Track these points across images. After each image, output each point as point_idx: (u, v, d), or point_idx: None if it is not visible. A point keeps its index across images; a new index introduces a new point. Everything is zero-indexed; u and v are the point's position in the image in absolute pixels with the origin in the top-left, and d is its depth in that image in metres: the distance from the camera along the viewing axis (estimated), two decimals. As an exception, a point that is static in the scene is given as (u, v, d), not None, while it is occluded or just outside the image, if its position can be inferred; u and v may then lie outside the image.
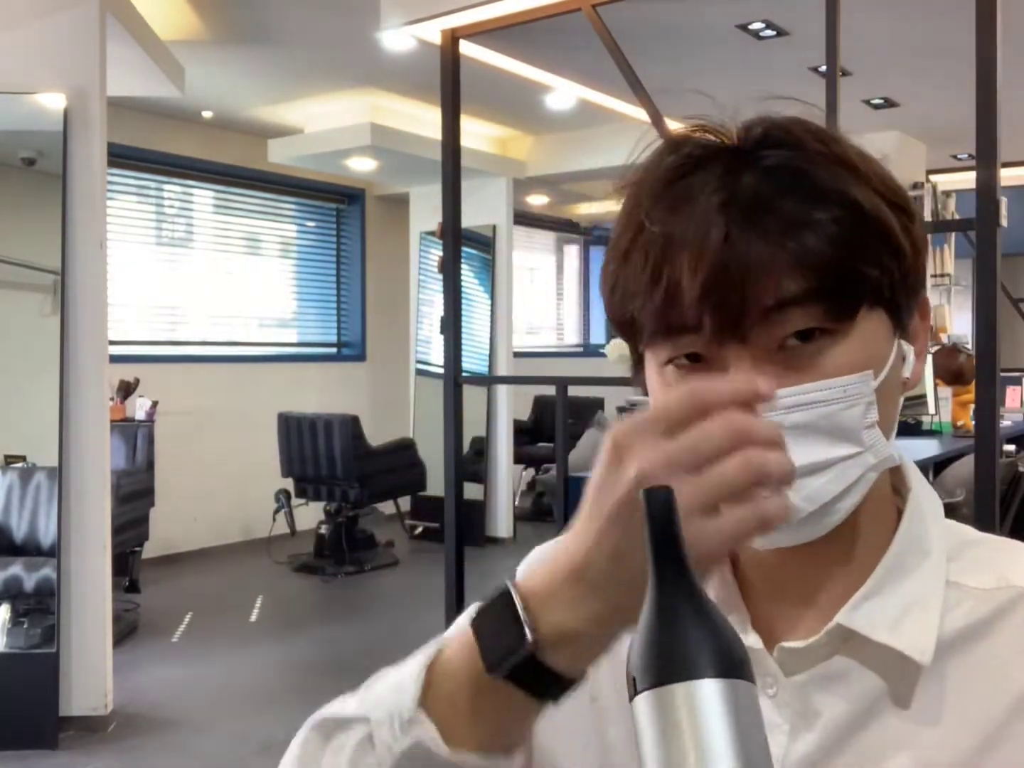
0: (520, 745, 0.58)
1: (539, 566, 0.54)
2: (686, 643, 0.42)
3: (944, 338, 6.84)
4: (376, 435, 6.26)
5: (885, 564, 0.63)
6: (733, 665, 0.42)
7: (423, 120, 6.03)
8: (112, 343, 3.88)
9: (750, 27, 4.57)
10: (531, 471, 7.86)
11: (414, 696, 0.56)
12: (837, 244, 0.57)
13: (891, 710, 0.61)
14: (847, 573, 0.64)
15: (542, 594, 0.53)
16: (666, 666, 0.42)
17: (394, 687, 0.57)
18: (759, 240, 0.57)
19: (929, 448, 4.30)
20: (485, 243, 7.11)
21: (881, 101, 5.80)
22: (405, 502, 6.94)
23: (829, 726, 0.62)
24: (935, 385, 4.86)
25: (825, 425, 0.59)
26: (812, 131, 0.62)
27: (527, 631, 0.52)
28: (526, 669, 0.52)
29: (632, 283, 0.60)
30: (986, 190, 2.51)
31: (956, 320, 7.39)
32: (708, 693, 0.41)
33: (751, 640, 0.65)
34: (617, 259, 0.62)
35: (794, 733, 0.63)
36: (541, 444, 7.84)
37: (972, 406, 4.33)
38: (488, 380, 7.14)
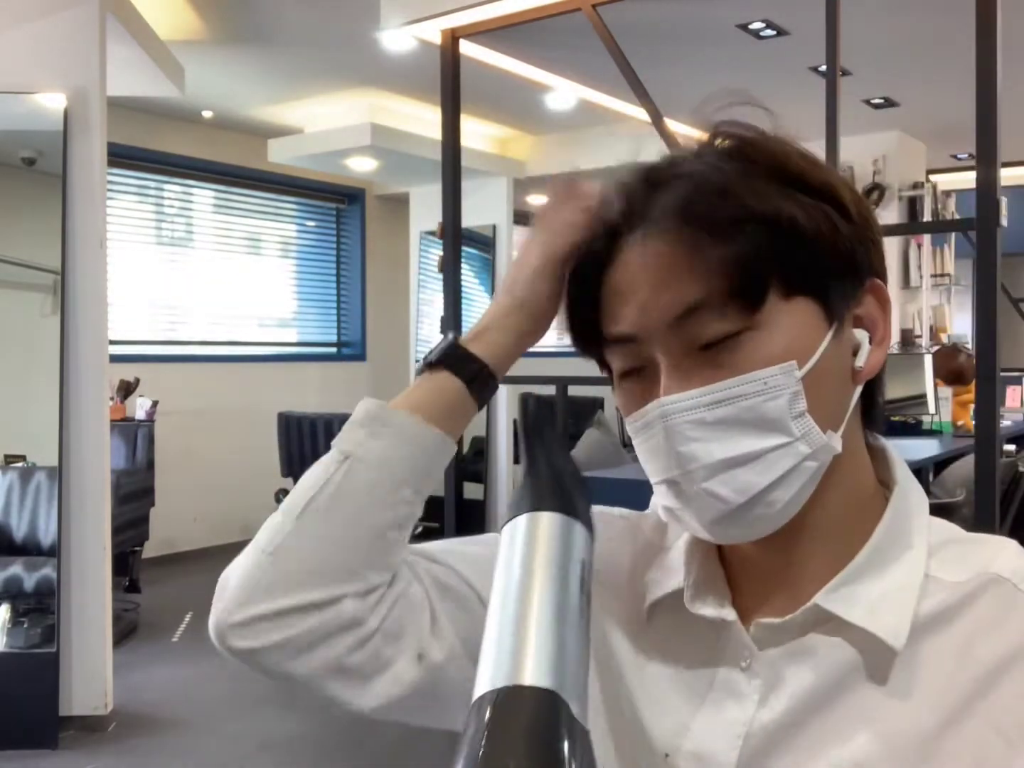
0: (455, 431, 0.72)
1: None
2: (536, 489, 0.54)
3: (944, 338, 6.84)
4: (376, 435, 6.26)
5: (865, 553, 0.64)
6: (570, 506, 0.52)
7: (423, 120, 6.03)
8: (112, 343, 3.87)
9: (750, 27, 4.57)
10: (531, 471, 7.86)
11: (372, 400, 0.73)
12: (731, 253, 0.60)
13: (860, 686, 0.62)
14: (828, 562, 0.64)
15: (483, 339, 0.73)
16: (518, 501, 0.53)
17: None
18: (658, 256, 0.62)
19: (929, 448, 4.30)
20: (485, 243, 7.11)
21: (881, 101, 5.80)
22: (405, 502, 6.93)
23: (797, 696, 0.63)
24: (935, 385, 4.86)
25: (750, 417, 0.60)
26: (743, 137, 0.64)
27: (451, 334, 0.73)
28: (452, 354, 0.72)
29: (570, 299, 0.71)
30: (986, 190, 2.51)
31: (956, 320, 7.39)
32: (544, 521, 0.51)
33: (726, 613, 0.67)
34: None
35: (762, 702, 0.64)
36: (541, 444, 7.83)
37: (972, 406, 4.33)
38: (488, 380, 7.13)
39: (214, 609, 0.68)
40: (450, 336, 0.73)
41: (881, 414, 0.70)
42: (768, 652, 0.65)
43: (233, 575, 0.69)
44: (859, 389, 0.65)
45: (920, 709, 0.60)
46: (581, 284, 0.68)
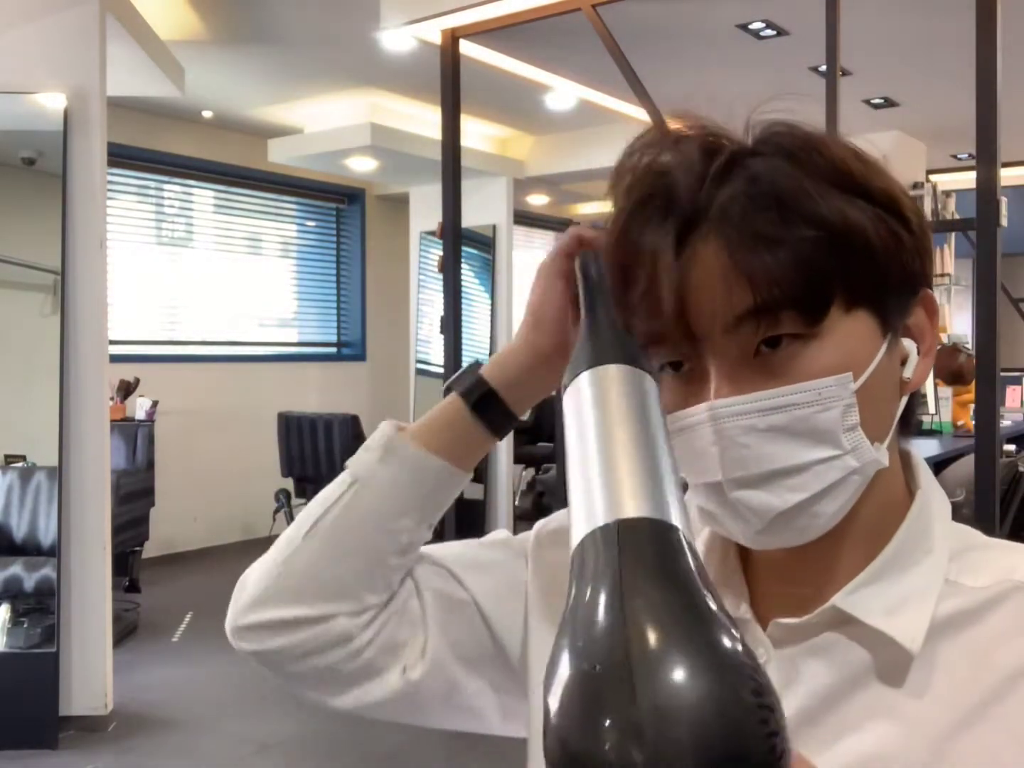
0: (467, 469, 0.74)
1: None
2: (597, 344, 0.54)
3: (944, 338, 6.83)
4: (376, 435, 6.26)
5: (885, 556, 0.64)
6: (631, 357, 0.53)
7: (423, 120, 6.03)
8: (112, 343, 3.87)
9: (750, 27, 4.57)
10: (531, 471, 7.85)
11: (390, 424, 0.74)
12: (797, 261, 0.58)
13: (874, 684, 0.62)
14: (853, 566, 0.64)
15: (498, 361, 0.74)
16: (578, 360, 0.53)
17: None
18: (719, 256, 0.59)
19: (929, 448, 4.30)
20: (485, 243, 7.11)
21: (881, 101, 5.80)
22: (405, 502, 6.92)
23: (813, 693, 0.63)
24: (935, 385, 4.86)
25: (801, 428, 0.59)
26: (805, 137, 0.62)
27: (477, 359, 0.75)
28: (486, 401, 0.72)
29: (615, 291, 0.64)
30: (986, 190, 2.51)
31: (956, 320, 7.38)
32: (611, 372, 0.51)
33: (742, 612, 0.67)
34: (607, 264, 0.65)
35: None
36: (541, 444, 7.83)
37: (972, 406, 4.34)
38: (488, 380, 7.12)
39: (230, 609, 0.74)
40: (476, 360, 0.75)
41: (915, 421, 0.69)
42: (784, 650, 0.65)
43: (249, 580, 0.74)
44: (905, 400, 0.65)
45: (935, 708, 0.60)
46: (628, 271, 0.62)
